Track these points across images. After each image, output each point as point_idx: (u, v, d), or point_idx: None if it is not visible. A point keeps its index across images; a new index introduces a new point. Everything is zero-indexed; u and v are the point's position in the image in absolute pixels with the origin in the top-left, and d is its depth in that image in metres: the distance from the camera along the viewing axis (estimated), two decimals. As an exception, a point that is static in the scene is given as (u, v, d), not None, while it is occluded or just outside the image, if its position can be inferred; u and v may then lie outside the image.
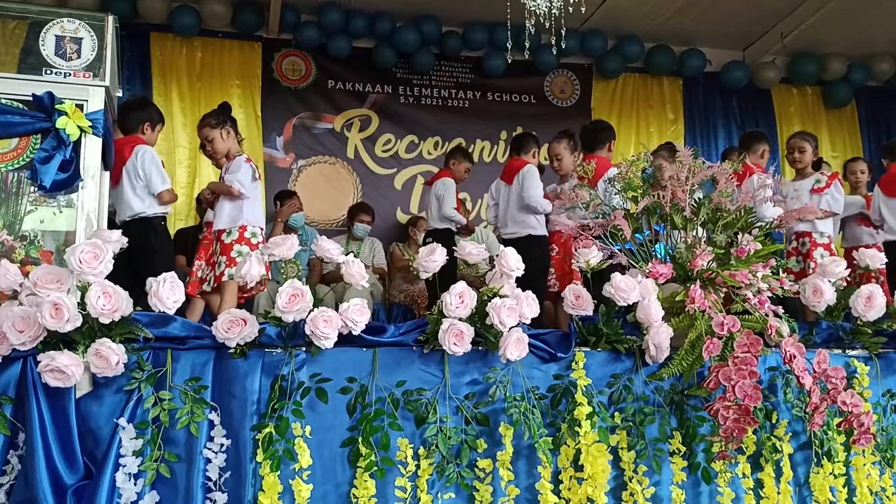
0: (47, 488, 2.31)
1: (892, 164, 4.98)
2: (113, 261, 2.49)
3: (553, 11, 3.94)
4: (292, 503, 2.47)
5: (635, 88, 7.60)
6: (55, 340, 2.39)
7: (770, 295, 2.98)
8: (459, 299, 2.67)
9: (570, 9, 3.99)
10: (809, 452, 2.99)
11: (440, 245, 2.81)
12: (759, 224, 3.22)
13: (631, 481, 2.77)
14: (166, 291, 2.50)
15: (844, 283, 3.42)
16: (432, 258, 2.77)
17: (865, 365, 3.14)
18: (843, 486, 2.96)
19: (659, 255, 3.18)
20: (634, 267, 3.13)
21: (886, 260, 3.52)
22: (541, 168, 5.03)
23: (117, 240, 2.61)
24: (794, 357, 2.74)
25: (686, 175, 3.14)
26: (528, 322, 2.80)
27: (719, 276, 2.96)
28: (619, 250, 3.19)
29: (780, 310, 2.95)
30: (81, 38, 3.10)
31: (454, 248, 2.91)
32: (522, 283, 2.88)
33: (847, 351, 3.20)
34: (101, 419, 2.46)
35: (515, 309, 2.69)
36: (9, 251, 2.84)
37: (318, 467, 2.54)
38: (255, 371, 2.57)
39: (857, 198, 5.45)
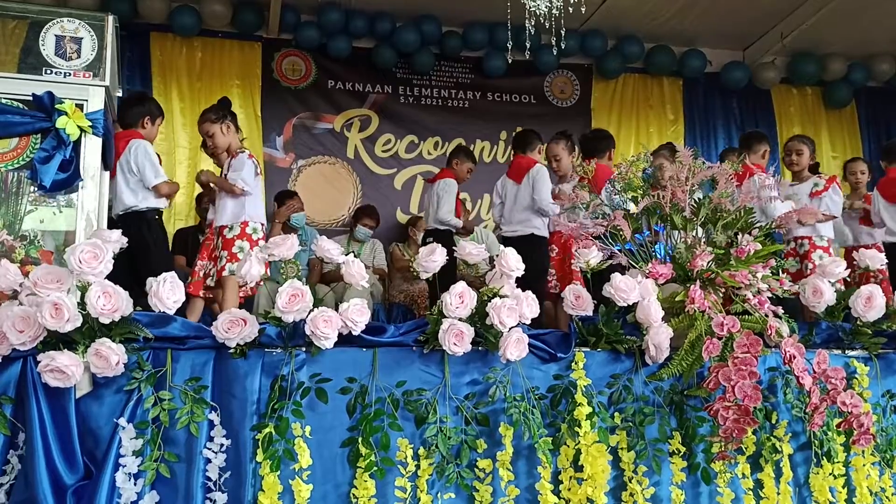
0: (47, 488, 2.31)
1: (891, 168, 4.98)
2: (113, 260, 2.49)
3: (553, 12, 3.94)
4: (292, 503, 2.47)
5: (635, 89, 7.60)
6: (55, 340, 2.39)
7: (770, 295, 2.98)
8: (459, 299, 2.68)
9: (570, 9, 3.98)
10: (809, 453, 2.99)
11: (440, 245, 2.81)
12: (758, 224, 3.21)
13: (631, 482, 2.77)
14: (166, 291, 2.50)
15: (842, 285, 3.41)
16: (432, 258, 2.77)
17: (865, 365, 3.14)
18: (843, 487, 2.96)
19: (659, 256, 3.18)
20: (634, 267, 3.13)
21: (887, 260, 3.51)
22: None
23: (117, 240, 2.61)
24: (794, 357, 2.74)
25: (686, 175, 3.14)
26: (528, 322, 2.80)
27: (719, 276, 2.96)
28: (619, 251, 3.19)
29: (780, 310, 2.95)
30: (81, 38, 3.10)
31: (454, 248, 2.91)
32: (523, 282, 2.88)
33: (847, 351, 3.20)
34: (100, 419, 2.46)
35: (515, 309, 2.69)
36: (9, 251, 2.84)
37: (317, 467, 2.54)
38: (255, 371, 2.57)
39: (845, 232, 5.44)
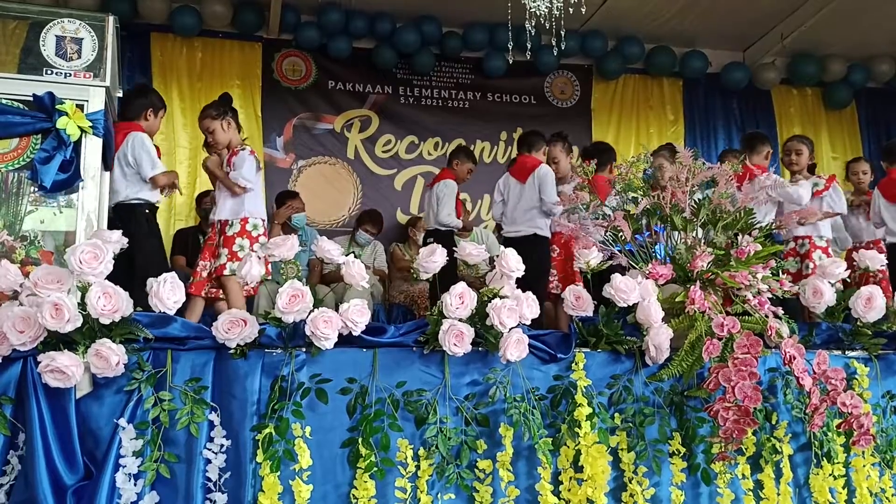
0: (47, 488, 2.31)
1: (892, 168, 4.98)
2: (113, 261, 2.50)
3: (553, 12, 3.94)
4: (292, 503, 2.47)
5: (635, 89, 7.60)
6: (55, 341, 2.39)
7: (770, 296, 2.98)
8: (459, 300, 2.68)
9: (571, 10, 3.99)
10: (809, 453, 2.99)
11: (440, 246, 2.81)
12: (758, 225, 3.21)
13: (631, 482, 2.77)
14: (167, 292, 2.50)
15: (840, 285, 3.41)
16: (432, 259, 2.77)
17: (865, 366, 3.14)
18: (843, 488, 2.96)
19: (659, 257, 3.19)
20: (634, 268, 3.13)
21: (887, 261, 3.51)
22: None
23: (117, 240, 2.61)
24: (794, 358, 2.74)
25: (686, 176, 3.14)
26: (529, 323, 2.80)
27: (719, 277, 2.96)
28: (619, 251, 3.19)
29: (780, 311, 2.95)
30: (82, 39, 3.10)
31: (454, 248, 2.91)
32: (524, 282, 2.88)
33: (847, 352, 3.20)
34: (101, 419, 2.46)
35: (515, 310, 2.70)
36: (9, 251, 2.84)
37: (318, 468, 2.54)
38: (255, 371, 2.57)
39: (846, 237, 5.45)
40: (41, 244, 2.89)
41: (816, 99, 7.93)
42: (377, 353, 2.69)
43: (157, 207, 4.11)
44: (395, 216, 6.96)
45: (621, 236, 3.14)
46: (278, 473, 2.45)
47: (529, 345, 2.72)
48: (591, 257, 3.08)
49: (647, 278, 2.96)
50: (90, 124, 2.98)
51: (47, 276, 2.43)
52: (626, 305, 2.88)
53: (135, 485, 2.40)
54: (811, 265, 4.59)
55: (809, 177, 4.98)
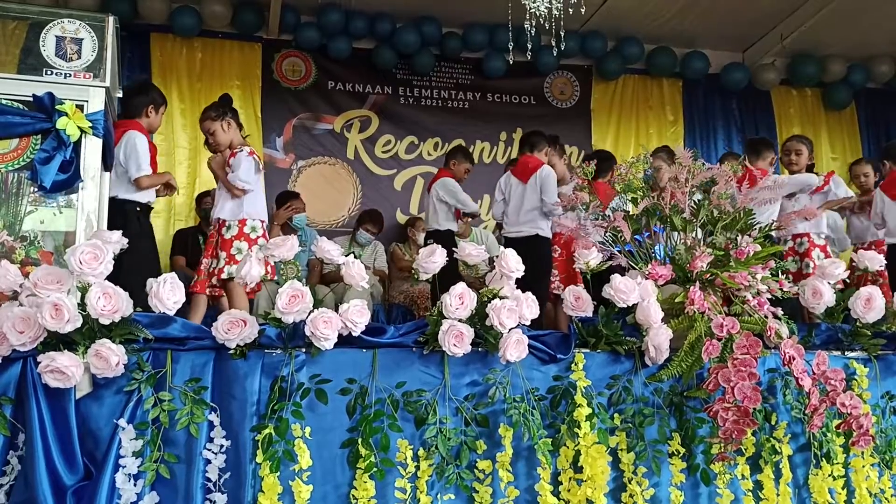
0: (47, 489, 2.31)
1: (895, 168, 4.99)
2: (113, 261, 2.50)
3: (553, 13, 3.94)
4: (292, 504, 2.47)
5: (635, 90, 7.61)
6: (55, 341, 2.39)
7: (769, 297, 2.99)
8: (459, 300, 2.68)
9: (570, 10, 3.99)
10: (808, 454, 2.99)
11: (440, 246, 2.81)
12: (758, 225, 3.22)
13: (630, 483, 2.77)
14: (166, 292, 2.50)
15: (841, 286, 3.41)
16: (432, 259, 2.77)
17: (864, 367, 3.14)
18: (843, 488, 2.96)
19: (658, 257, 3.19)
20: (634, 268, 3.13)
21: (885, 262, 3.51)
22: None
23: (117, 241, 2.61)
24: (794, 359, 2.74)
25: (685, 177, 3.14)
26: (528, 323, 2.80)
27: (718, 277, 2.96)
28: (619, 252, 3.19)
29: (780, 311, 2.95)
30: (82, 39, 3.10)
31: (454, 249, 2.91)
32: (525, 283, 2.88)
33: (846, 353, 3.20)
34: (100, 420, 2.46)
35: (515, 310, 2.70)
36: (9, 252, 2.84)
37: (317, 468, 2.54)
38: (254, 372, 2.57)
39: (845, 238, 5.47)
40: (41, 244, 2.89)
41: (816, 99, 7.93)
42: (377, 354, 2.69)
43: (151, 208, 4.09)
44: (394, 216, 6.96)
45: (621, 237, 3.14)
46: (278, 474, 2.45)
47: (529, 345, 2.72)
48: (591, 258, 3.08)
49: (646, 279, 2.97)
50: (90, 125, 2.98)
51: (47, 276, 2.43)
52: (625, 306, 2.88)
53: (134, 485, 2.40)
54: (811, 264, 4.59)
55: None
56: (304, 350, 2.61)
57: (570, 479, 2.72)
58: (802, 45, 7.22)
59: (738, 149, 7.30)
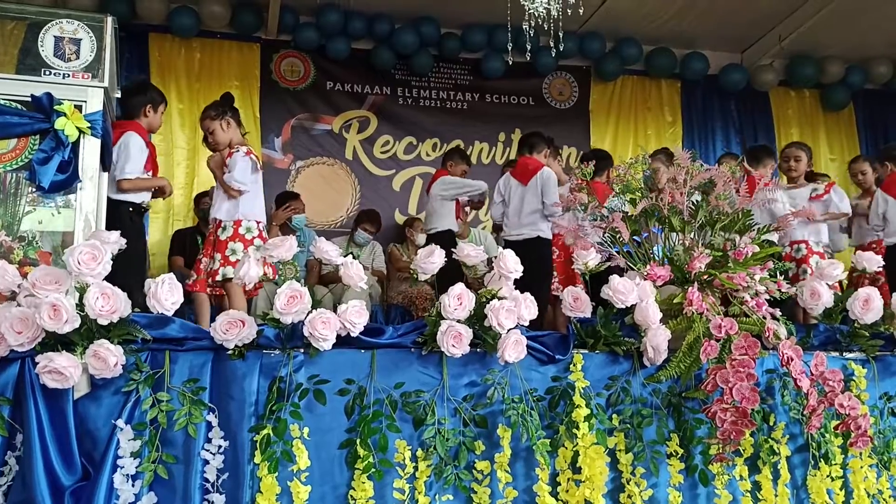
0: (45, 490, 2.31)
1: None
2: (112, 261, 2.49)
3: (552, 13, 3.94)
4: (290, 504, 2.47)
5: (633, 91, 7.62)
6: (53, 342, 2.39)
7: (767, 297, 2.99)
8: (458, 301, 2.68)
9: (569, 11, 3.99)
10: (807, 455, 2.99)
11: (439, 247, 2.81)
12: (756, 226, 3.22)
13: (629, 483, 2.77)
14: (164, 293, 2.50)
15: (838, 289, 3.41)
16: (430, 260, 2.77)
17: (863, 367, 3.14)
18: (841, 489, 2.96)
19: (656, 258, 3.19)
20: (632, 269, 3.13)
21: (883, 262, 3.52)
22: None
23: (116, 241, 2.61)
24: (792, 359, 2.75)
25: (684, 178, 3.14)
26: (527, 324, 2.80)
27: (717, 278, 2.97)
28: (617, 252, 3.19)
29: (778, 312, 2.96)
30: (80, 39, 3.10)
31: (453, 250, 2.91)
32: (527, 285, 2.88)
33: (844, 353, 3.20)
34: (98, 420, 2.46)
35: (514, 311, 2.69)
36: (7, 252, 2.84)
37: (315, 469, 2.54)
38: (253, 372, 2.57)
39: (842, 238, 5.46)
40: (39, 245, 2.89)
41: (814, 100, 7.94)
42: (375, 354, 2.69)
43: (145, 209, 4.08)
44: (393, 217, 6.96)
45: (619, 238, 3.14)
46: (276, 474, 2.45)
47: (528, 346, 2.72)
48: (590, 258, 3.08)
49: (645, 280, 2.97)
50: (88, 125, 2.98)
51: (45, 276, 2.43)
52: (624, 307, 2.88)
53: (133, 486, 2.40)
54: (808, 270, 4.59)
55: (807, 184, 5.01)
56: (302, 350, 2.61)
57: (568, 479, 2.72)
58: (801, 47, 7.24)
59: (736, 150, 7.31)
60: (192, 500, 2.44)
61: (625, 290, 2.86)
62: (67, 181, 2.94)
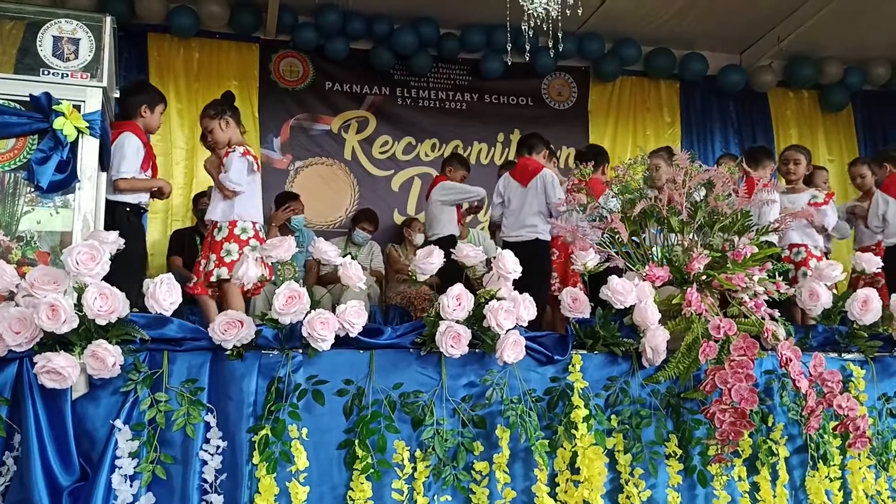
0: (43, 490, 2.31)
1: None
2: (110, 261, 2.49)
3: (551, 14, 3.95)
4: (288, 505, 2.46)
5: (632, 91, 7.62)
6: (51, 342, 2.38)
7: (766, 298, 2.99)
8: (456, 301, 2.67)
9: (568, 12, 4.00)
10: (805, 456, 2.99)
11: (438, 247, 2.81)
12: (755, 227, 3.22)
13: (627, 484, 2.77)
14: (163, 293, 2.49)
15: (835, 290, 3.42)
16: (429, 260, 2.77)
17: (861, 368, 3.14)
18: (839, 490, 2.96)
19: (655, 258, 3.19)
20: (631, 270, 3.13)
21: (882, 263, 3.52)
22: None
23: (114, 241, 2.61)
24: (791, 360, 2.75)
25: (683, 178, 3.14)
26: (525, 325, 2.80)
27: (716, 279, 2.97)
28: (616, 253, 3.19)
29: (777, 313, 2.96)
30: (79, 39, 3.10)
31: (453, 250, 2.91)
32: (526, 286, 2.88)
33: (843, 354, 3.20)
34: (97, 421, 2.45)
35: (512, 311, 2.69)
36: (5, 252, 2.84)
37: (314, 469, 2.54)
38: (251, 373, 2.56)
39: (844, 225, 5.47)
40: (37, 245, 2.89)
41: (813, 101, 7.95)
42: (374, 355, 2.69)
43: (143, 209, 4.07)
44: (392, 217, 6.96)
45: (618, 238, 3.14)
46: (275, 475, 2.44)
47: (526, 346, 2.72)
48: (588, 259, 3.08)
49: (643, 280, 2.97)
50: (87, 125, 2.98)
51: (44, 276, 2.42)
52: (623, 307, 2.88)
53: (131, 486, 2.40)
54: (808, 272, 4.59)
55: (806, 189, 5.01)
56: (301, 351, 2.61)
57: (566, 480, 2.71)
58: (799, 48, 7.24)
59: (735, 150, 7.33)
60: (190, 501, 2.44)
61: (624, 290, 2.86)
62: (66, 181, 2.93)
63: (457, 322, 2.66)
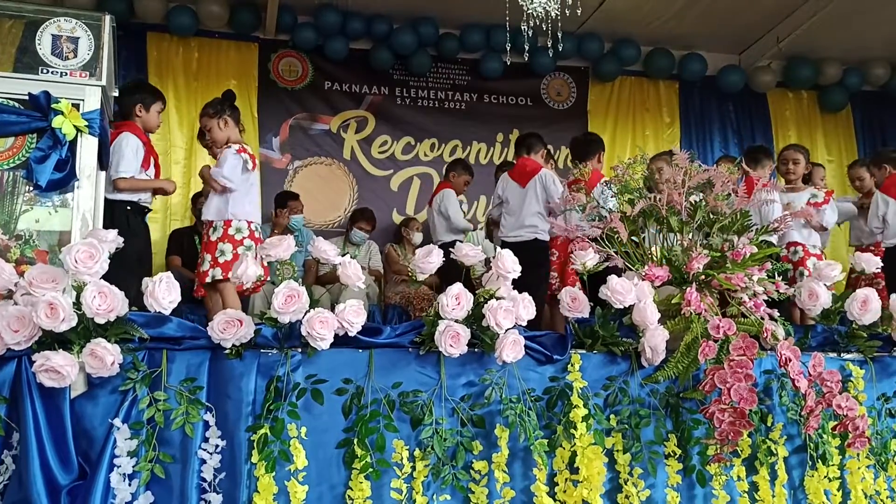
0: (41, 489, 2.30)
1: None
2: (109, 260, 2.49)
3: (550, 14, 3.95)
4: (287, 504, 2.46)
5: (632, 91, 7.63)
6: (50, 340, 2.38)
7: (766, 298, 2.99)
8: (455, 301, 2.67)
9: (567, 12, 4.00)
10: (804, 456, 2.99)
11: (437, 247, 2.81)
12: (755, 226, 3.22)
13: (626, 484, 2.77)
14: (162, 291, 2.49)
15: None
16: (429, 260, 2.76)
17: (860, 368, 3.14)
18: (838, 490, 2.96)
19: (655, 258, 3.18)
20: (630, 269, 3.13)
21: (882, 264, 3.52)
22: None
23: (113, 240, 2.61)
24: (790, 360, 2.75)
25: (682, 178, 3.14)
26: (525, 324, 2.80)
27: (715, 279, 2.97)
28: (616, 253, 3.19)
29: (776, 313, 2.96)
30: (78, 38, 3.09)
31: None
32: (526, 286, 2.88)
33: (842, 354, 3.20)
34: (95, 419, 2.45)
35: (512, 311, 2.69)
36: (4, 250, 2.83)
37: (313, 468, 2.54)
38: (250, 372, 2.56)
39: (849, 205, 5.49)
40: (36, 243, 2.88)
41: (812, 102, 7.96)
42: (373, 354, 2.68)
43: (145, 209, 4.07)
44: (391, 217, 6.97)
45: (617, 238, 3.14)
46: (273, 474, 2.44)
47: (525, 346, 2.72)
48: (588, 259, 3.08)
49: (643, 280, 2.97)
50: (86, 123, 2.98)
51: (42, 275, 2.42)
52: (622, 307, 2.88)
53: (129, 485, 2.39)
54: (805, 272, 4.60)
55: (805, 188, 5.01)
56: (300, 350, 2.61)
57: (566, 479, 2.71)
58: (798, 48, 7.25)
59: (734, 151, 7.33)
60: (188, 500, 2.43)
61: (623, 290, 2.86)
62: (65, 180, 2.93)
63: (456, 321, 2.66)
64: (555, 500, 2.68)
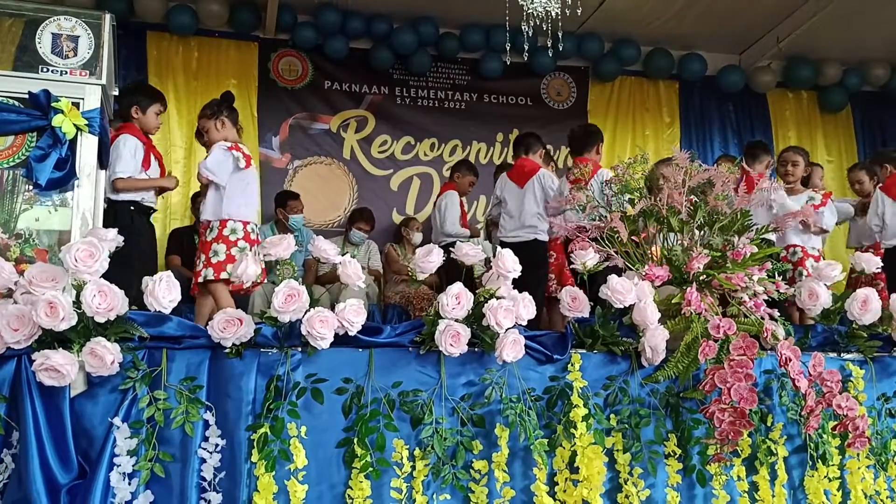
0: (41, 487, 2.30)
1: None
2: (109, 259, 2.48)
3: (550, 14, 3.94)
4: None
5: (631, 91, 7.63)
6: (50, 339, 2.37)
7: (766, 298, 2.99)
8: (456, 300, 2.67)
9: (567, 12, 3.99)
10: (804, 455, 2.99)
11: (437, 246, 2.81)
12: (755, 226, 3.22)
13: (626, 483, 2.77)
14: (162, 290, 2.49)
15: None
16: (428, 259, 2.76)
17: (860, 368, 3.14)
18: (838, 490, 2.96)
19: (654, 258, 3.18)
20: (631, 269, 3.13)
21: (882, 264, 3.52)
22: None
23: (113, 238, 2.60)
24: (790, 360, 2.75)
25: (682, 178, 3.14)
26: (525, 324, 2.80)
27: (715, 279, 2.97)
28: (615, 252, 3.19)
29: (776, 313, 2.96)
30: (78, 37, 3.09)
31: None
32: (525, 286, 2.88)
33: (842, 354, 3.20)
34: (95, 418, 2.44)
35: (512, 310, 2.69)
36: (4, 249, 2.83)
37: (313, 468, 2.53)
38: (250, 371, 2.56)
39: (847, 206, 5.50)
40: (36, 242, 2.88)
41: (812, 102, 7.96)
42: (373, 354, 2.68)
43: (149, 209, 4.06)
44: (390, 216, 6.96)
45: (618, 238, 3.14)
46: (273, 473, 2.44)
47: (526, 346, 2.72)
48: (587, 258, 3.08)
49: (643, 280, 2.96)
50: (86, 122, 2.98)
51: (42, 274, 2.42)
52: (622, 307, 2.88)
53: (129, 484, 2.39)
54: (804, 272, 4.60)
55: (804, 190, 5.01)
56: (300, 349, 2.60)
57: (566, 479, 2.71)
58: (798, 49, 7.25)
59: (734, 150, 7.33)
60: (188, 499, 2.43)
61: (623, 290, 2.86)
62: (64, 178, 2.93)
63: (456, 321, 2.66)
64: (555, 499, 2.68)
